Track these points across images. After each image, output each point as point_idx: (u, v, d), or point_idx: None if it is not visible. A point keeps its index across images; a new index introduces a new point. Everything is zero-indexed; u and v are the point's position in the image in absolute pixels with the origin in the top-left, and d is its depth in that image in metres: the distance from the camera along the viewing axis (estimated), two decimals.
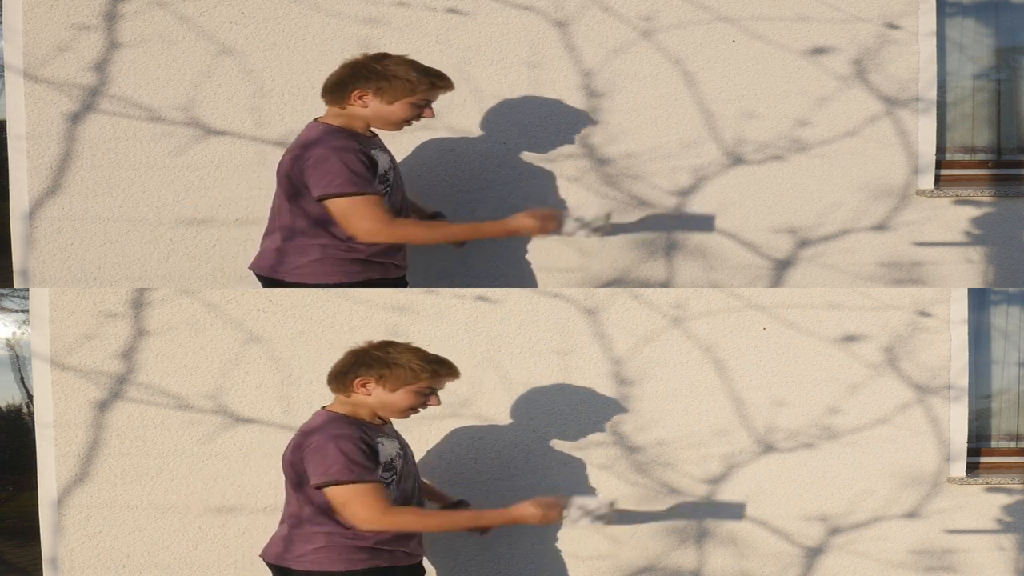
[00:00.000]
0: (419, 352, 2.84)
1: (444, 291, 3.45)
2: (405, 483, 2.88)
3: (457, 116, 3.55)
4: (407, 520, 2.81)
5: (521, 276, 3.60)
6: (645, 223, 3.60)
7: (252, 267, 3.13)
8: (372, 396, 2.82)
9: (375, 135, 3.06)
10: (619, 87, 3.58)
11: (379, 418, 2.89)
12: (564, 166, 3.57)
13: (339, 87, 2.96)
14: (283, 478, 2.87)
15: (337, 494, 2.72)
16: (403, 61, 2.97)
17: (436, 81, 2.97)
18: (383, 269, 3.06)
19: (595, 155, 3.58)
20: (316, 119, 3.02)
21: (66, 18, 3.47)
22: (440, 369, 2.83)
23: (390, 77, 2.93)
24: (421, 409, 2.88)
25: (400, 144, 3.53)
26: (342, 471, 2.70)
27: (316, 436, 2.76)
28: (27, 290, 3.48)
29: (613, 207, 3.31)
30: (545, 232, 3.05)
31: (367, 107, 2.95)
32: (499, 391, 3.45)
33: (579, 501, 2.87)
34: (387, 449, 2.83)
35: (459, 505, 3.14)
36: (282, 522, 2.88)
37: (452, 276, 3.58)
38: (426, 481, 3.25)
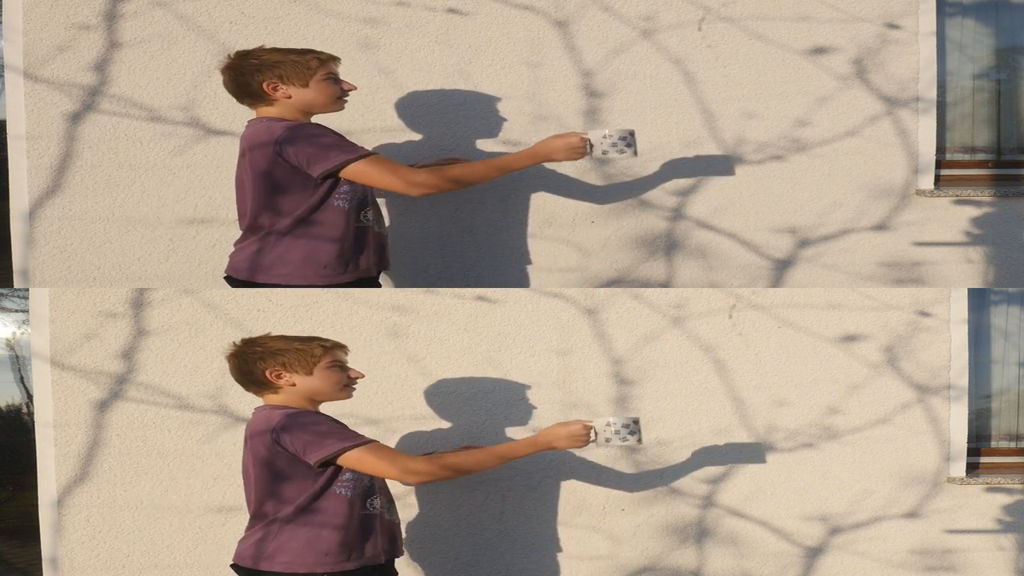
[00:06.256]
0: (289, 336, 2.91)
1: (444, 291, 3.45)
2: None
3: (457, 116, 3.55)
4: (454, 460, 2.87)
5: (521, 276, 3.60)
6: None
7: (230, 270, 3.11)
8: (297, 385, 2.86)
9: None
10: (619, 87, 3.58)
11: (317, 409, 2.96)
12: (564, 166, 3.57)
13: (248, 87, 2.99)
14: (247, 486, 2.91)
15: (356, 457, 2.76)
16: (271, 49, 3.01)
17: (318, 53, 3.01)
18: (362, 269, 3.07)
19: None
20: (261, 118, 3.02)
21: (66, 18, 3.47)
22: (326, 342, 2.89)
23: (281, 63, 2.97)
24: (351, 384, 2.93)
25: (399, 144, 3.53)
26: (344, 439, 2.77)
27: (292, 427, 2.78)
28: (27, 290, 3.48)
29: (634, 127, 3.27)
30: (575, 155, 3.03)
31: (291, 97, 2.99)
32: (499, 391, 3.45)
33: (604, 421, 2.93)
34: None
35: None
36: (252, 526, 2.89)
37: (452, 276, 3.58)
38: None
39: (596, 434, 2.93)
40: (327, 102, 3.03)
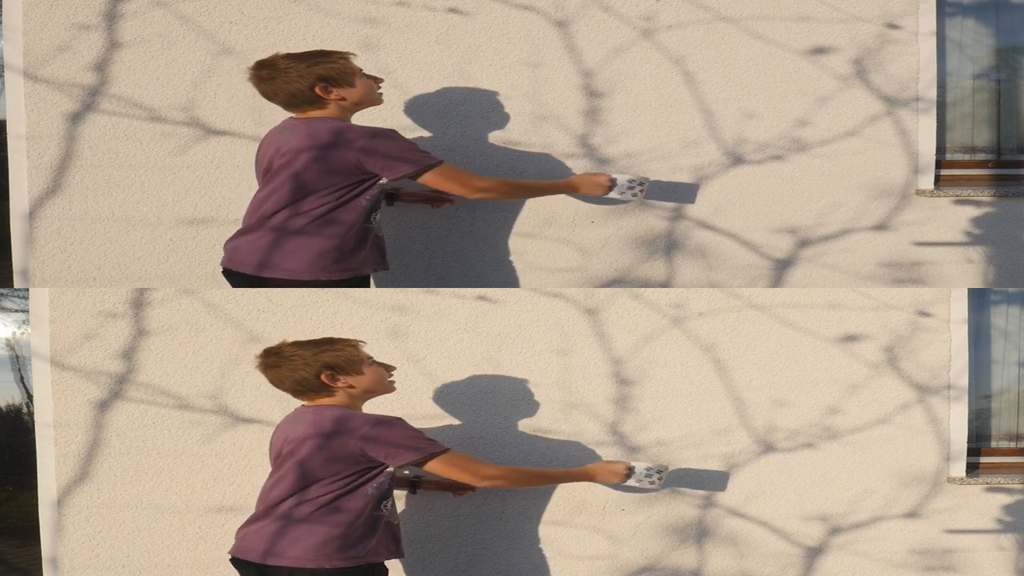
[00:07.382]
0: (302, 341, 2.98)
1: (444, 291, 3.46)
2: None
3: (457, 116, 3.55)
4: (517, 471, 3.17)
5: (521, 276, 3.60)
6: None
7: (229, 264, 3.11)
8: (355, 386, 2.94)
9: None
10: (619, 87, 3.58)
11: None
12: (564, 166, 3.57)
13: (301, 95, 3.04)
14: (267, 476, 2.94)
15: (445, 462, 2.94)
16: (288, 55, 3.07)
17: (339, 52, 3.10)
18: (371, 263, 3.13)
19: (595, 155, 3.58)
20: (309, 119, 3.05)
21: (66, 18, 3.47)
22: (347, 340, 2.99)
23: (314, 68, 3.03)
24: (391, 376, 3.05)
25: None
26: (431, 443, 2.93)
27: (368, 427, 2.86)
28: (27, 290, 3.49)
29: (647, 175, 3.55)
30: (600, 191, 3.34)
31: (344, 99, 3.07)
32: (499, 391, 3.45)
33: (644, 466, 3.21)
34: None
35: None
36: (260, 520, 2.89)
37: (452, 276, 3.58)
38: None
39: (632, 473, 3.19)
40: (372, 98, 3.14)
